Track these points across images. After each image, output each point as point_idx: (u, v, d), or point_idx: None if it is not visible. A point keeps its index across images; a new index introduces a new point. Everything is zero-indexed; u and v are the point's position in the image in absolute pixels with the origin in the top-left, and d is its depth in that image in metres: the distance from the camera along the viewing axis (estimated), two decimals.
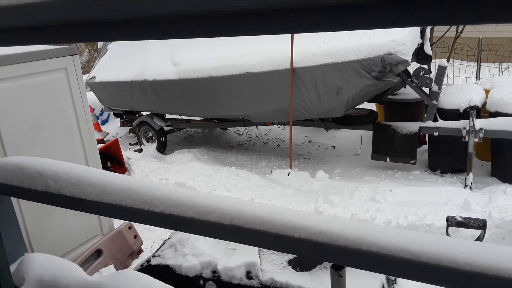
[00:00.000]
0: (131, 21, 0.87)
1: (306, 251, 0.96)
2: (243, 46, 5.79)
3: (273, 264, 1.70)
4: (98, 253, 2.85)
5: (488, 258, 0.78)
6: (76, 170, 1.32)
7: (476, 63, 8.00)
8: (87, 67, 13.55)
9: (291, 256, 1.73)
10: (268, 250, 1.74)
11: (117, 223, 3.11)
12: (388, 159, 5.54)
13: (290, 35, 5.17)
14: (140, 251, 3.18)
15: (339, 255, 0.92)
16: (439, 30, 8.17)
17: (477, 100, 5.15)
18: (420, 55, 5.71)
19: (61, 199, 1.31)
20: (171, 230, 2.51)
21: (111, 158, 6.03)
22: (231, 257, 1.71)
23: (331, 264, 1.21)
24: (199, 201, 1.13)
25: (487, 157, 5.50)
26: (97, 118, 8.49)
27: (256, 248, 1.73)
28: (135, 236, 3.12)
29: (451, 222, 1.71)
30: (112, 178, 1.32)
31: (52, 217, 2.62)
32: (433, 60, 6.60)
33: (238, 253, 1.73)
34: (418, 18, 0.68)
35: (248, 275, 1.73)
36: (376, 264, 0.88)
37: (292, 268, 1.69)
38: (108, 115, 9.16)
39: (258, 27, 0.78)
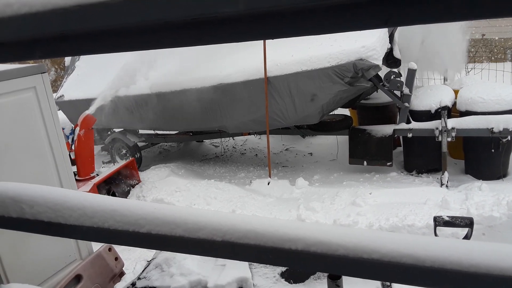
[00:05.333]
0: (109, 33, 0.82)
1: (305, 263, 0.93)
2: (215, 57, 5.76)
3: (266, 278, 1.65)
4: (77, 278, 2.72)
5: (493, 258, 0.77)
6: (53, 193, 1.24)
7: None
8: (54, 86, 13.20)
9: (283, 268, 1.69)
10: (259, 263, 1.69)
11: (96, 246, 2.98)
12: (365, 162, 5.60)
13: (262, 44, 5.19)
14: (122, 273, 3.05)
15: (340, 265, 0.89)
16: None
17: (447, 101, 5.29)
18: (389, 59, 5.83)
19: (38, 225, 1.23)
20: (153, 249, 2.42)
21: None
22: (221, 274, 1.65)
23: (327, 274, 1.18)
24: (188, 218, 1.08)
25: (459, 155, 5.64)
26: (67, 137, 8.24)
27: (246, 263, 1.68)
28: (116, 258, 2.99)
29: (439, 222, 1.72)
30: (92, 199, 1.25)
31: (27, 244, 2.48)
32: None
33: (228, 269, 1.67)
34: (411, 16, 0.66)
35: None
36: (379, 272, 0.85)
37: (285, 280, 1.65)
38: None
39: (246, 33, 0.75)
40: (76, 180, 5.28)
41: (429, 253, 0.81)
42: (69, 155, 5.72)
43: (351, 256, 0.87)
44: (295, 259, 0.93)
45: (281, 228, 0.96)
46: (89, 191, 4.83)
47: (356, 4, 0.66)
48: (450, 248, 0.80)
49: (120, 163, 6.41)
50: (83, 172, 5.31)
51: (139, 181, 5.90)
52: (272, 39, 0.73)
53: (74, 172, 5.37)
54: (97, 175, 5.41)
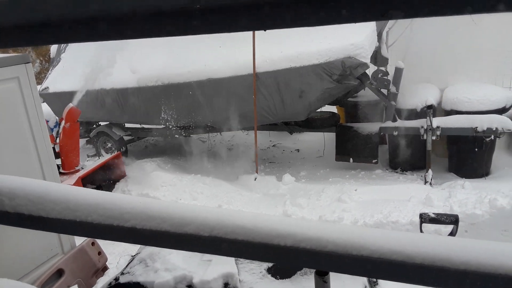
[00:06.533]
0: (94, 21, 0.79)
1: (294, 259, 0.91)
2: (203, 52, 5.71)
3: (252, 274, 1.64)
4: (59, 273, 2.66)
5: (482, 255, 0.77)
6: (34, 185, 1.20)
7: None
8: (38, 78, 12.95)
9: (270, 264, 1.68)
10: (247, 259, 1.68)
11: (79, 240, 2.93)
12: (351, 159, 5.63)
13: (251, 39, 5.15)
14: (105, 268, 3.01)
15: (330, 262, 0.88)
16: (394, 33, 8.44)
17: (433, 100, 5.35)
18: (377, 57, 5.86)
19: (19, 218, 1.19)
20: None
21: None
22: (207, 269, 1.63)
23: (315, 270, 1.17)
24: (175, 212, 1.05)
25: (443, 153, 5.71)
26: (52, 130, 8.10)
27: (232, 258, 1.66)
28: (99, 253, 2.95)
29: (425, 218, 1.73)
30: (75, 192, 1.21)
31: (7, 237, 2.42)
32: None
33: (214, 265, 1.65)
34: (408, 9, 0.65)
35: (226, 287, 1.66)
36: (368, 269, 0.85)
37: (272, 276, 1.64)
38: None
39: (238, 23, 0.73)
40: (61, 173, 5.18)
41: (419, 250, 0.80)
42: (53, 148, 5.61)
43: (340, 252, 0.86)
44: (284, 255, 0.92)
45: (270, 223, 0.94)
46: (73, 185, 4.75)
47: None
48: (440, 245, 0.80)
49: (106, 156, 6.32)
50: (67, 165, 5.22)
51: (125, 175, 5.83)
52: (266, 30, 0.71)
53: (58, 165, 5.27)
54: (82, 168, 5.33)
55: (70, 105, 5.42)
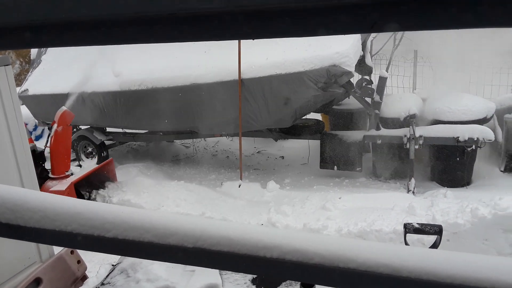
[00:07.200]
0: (80, 25, 0.76)
1: (280, 271, 0.90)
2: (188, 57, 5.69)
3: (236, 285, 1.61)
4: (37, 282, 2.58)
5: (469, 269, 0.76)
6: (12, 193, 1.16)
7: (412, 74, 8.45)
8: (18, 80, 12.70)
9: (254, 275, 1.66)
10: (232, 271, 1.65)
11: (58, 247, 2.85)
12: (335, 167, 5.66)
13: (237, 45, 5.16)
14: (84, 277, 2.93)
15: (315, 274, 0.86)
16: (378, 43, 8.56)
17: (416, 109, 5.43)
18: (361, 66, 5.93)
19: None
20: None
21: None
22: (190, 280, 1.60)
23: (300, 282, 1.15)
24: (158, 222, 1.03)
25: (426, 162, 5.79)
26: (31, 133, 7.94)
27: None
28: (78, 261, 2.86)
29: (409, 229, 1.74)
30: (55, 201, 1.17)
31: None
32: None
33: (198, 275, 1.62)
34: (398, 22, 0.64)
35: None
36: (355, 282, 0.84)
37: (257, 287, 1.61)
38: (43, 130, 8.60)
39: (223, 32, 0.71)
40: (50, 178, 5.06)
41: (405, 263, 0.80)
42: (43, 152, 5.48)
43: (327, 265, 0.84)
44: (269, 267, 0.90)
45: (256, 235, 0.93)
46: (65, 190, 4.61)
47: (342, 7, 0.64)
48: (426, 258, 0.80)
49: (90, 162, 6.22)
50: (57, 170, 5.09)
51: (116, 180, 5.72)
52: (252, 39, 0.69)
53: (48, 169, 5.15)
54: (72, 174, 5.21)
55: (63, 108, 5.29)
